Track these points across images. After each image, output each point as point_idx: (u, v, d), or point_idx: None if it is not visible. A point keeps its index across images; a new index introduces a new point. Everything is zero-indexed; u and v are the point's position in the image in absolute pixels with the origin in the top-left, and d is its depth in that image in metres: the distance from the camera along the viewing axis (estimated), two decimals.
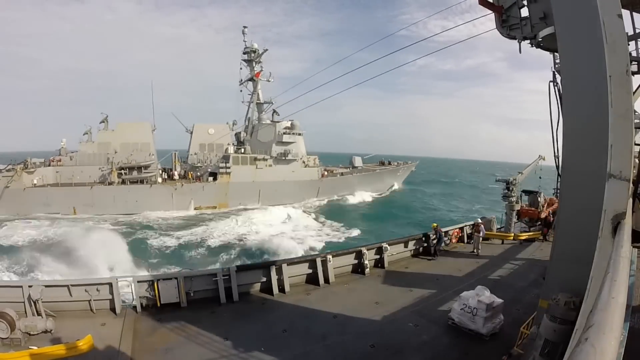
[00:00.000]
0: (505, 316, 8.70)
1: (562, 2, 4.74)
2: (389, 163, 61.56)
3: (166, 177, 42.64)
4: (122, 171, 39.11)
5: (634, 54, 8.09)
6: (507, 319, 8.63)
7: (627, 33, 4.65)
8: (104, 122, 41.32)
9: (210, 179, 42.17)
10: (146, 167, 40.04)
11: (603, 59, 3.63)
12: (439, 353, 7.74)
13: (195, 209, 40.40)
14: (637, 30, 8.00)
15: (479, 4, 6.45)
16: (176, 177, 42.49)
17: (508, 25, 6.44)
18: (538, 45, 6.35)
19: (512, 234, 17.75)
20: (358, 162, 56.91)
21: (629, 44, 7.40)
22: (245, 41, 47.91)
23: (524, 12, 6.29)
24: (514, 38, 6.44)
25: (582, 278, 3.19)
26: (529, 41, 6.41)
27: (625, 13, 7.00)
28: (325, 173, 50.15)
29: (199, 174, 43.14)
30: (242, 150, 44.93)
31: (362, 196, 51.03)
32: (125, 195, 38.18)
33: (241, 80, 48.88)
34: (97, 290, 9.04)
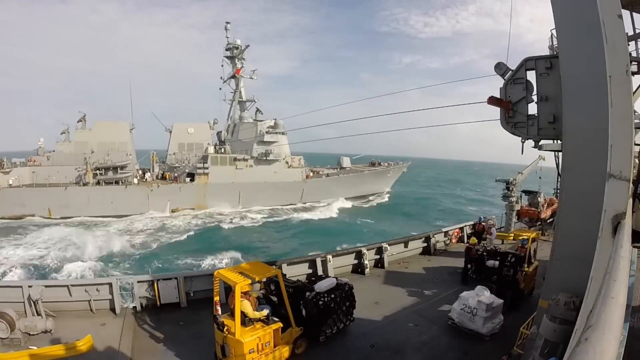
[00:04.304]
0: (505, 316, 8.70)
1: (562, 2, 4.74)
2: (379, 164, 56.91)
3: (141, 176, 41.18)
4: (98, 171, 37.72)
5: (634, 54, 8.11)
6: (507, 319, 8.63)
7: (627, 33, 4.65)
8: (81, 121, 40.08)
9: (188, 179, 40.78)
10: (123, 167, 38.54)
11: (603, 59, 3.63)
12: (439, 353, 7.74)
13: (172, 211, 38.96)
14: (637, 30, 8.01)
15: (488, 103, 6.10)
16: (148, 177, 41.01)
17: (514, 122, 6.05)
18: (540, 148, 6.17)
19: (512, 234, 17.73)
20: (346, 162, 53.45)
21: (629, 44, 7.40)
22: (227, 37, 46.20)
23: (532, 108, 5.89)
24: (517, 136, 6.12)
25: (582, 278, 3.19)
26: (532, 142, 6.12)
27: (625, 13, 7.01)
28: (311, 174, 47.57)
29: (176, 174, 41.58)
30: (223, 150, 43.09)
31: (337, 206, 45.75)
32: (100, 196, 36.92)
33: (222, 77, 46.72)
34: (97, 290, 9.04)
